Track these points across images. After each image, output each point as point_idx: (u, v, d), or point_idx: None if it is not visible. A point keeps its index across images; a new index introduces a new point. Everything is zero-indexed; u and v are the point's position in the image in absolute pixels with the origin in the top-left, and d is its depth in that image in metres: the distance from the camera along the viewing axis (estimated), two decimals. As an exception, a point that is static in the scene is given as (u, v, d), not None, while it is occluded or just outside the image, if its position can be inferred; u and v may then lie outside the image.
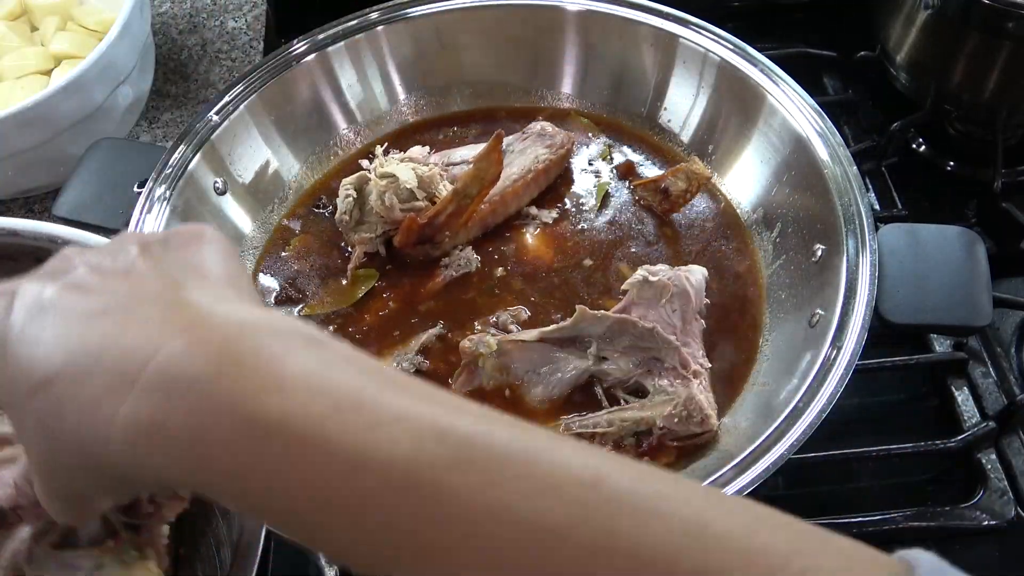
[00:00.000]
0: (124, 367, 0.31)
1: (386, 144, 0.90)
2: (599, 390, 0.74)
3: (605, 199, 0.88)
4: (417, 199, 0.82)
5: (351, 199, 0.81)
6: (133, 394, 0.31)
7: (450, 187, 0.83)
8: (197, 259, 0.37)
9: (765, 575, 0.28)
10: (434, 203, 0.82)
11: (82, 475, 0.34)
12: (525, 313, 0.79)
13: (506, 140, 0.90)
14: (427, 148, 0.89)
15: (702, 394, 0.70)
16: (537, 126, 0.90)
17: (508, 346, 0.73)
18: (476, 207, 0.81)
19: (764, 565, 0.28)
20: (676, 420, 0.69)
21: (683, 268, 0.76)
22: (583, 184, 0.90)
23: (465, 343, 0.74)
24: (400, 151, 0.89)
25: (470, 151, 0.89)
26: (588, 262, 0.83)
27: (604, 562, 0.28)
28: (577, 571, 0.29)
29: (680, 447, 0.70)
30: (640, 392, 0.73)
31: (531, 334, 0.74)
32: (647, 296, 0.74)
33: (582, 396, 0.74)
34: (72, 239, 0.57)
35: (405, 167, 0.82)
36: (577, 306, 0.74)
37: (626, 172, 0.90)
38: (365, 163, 0.87)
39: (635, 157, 0.92)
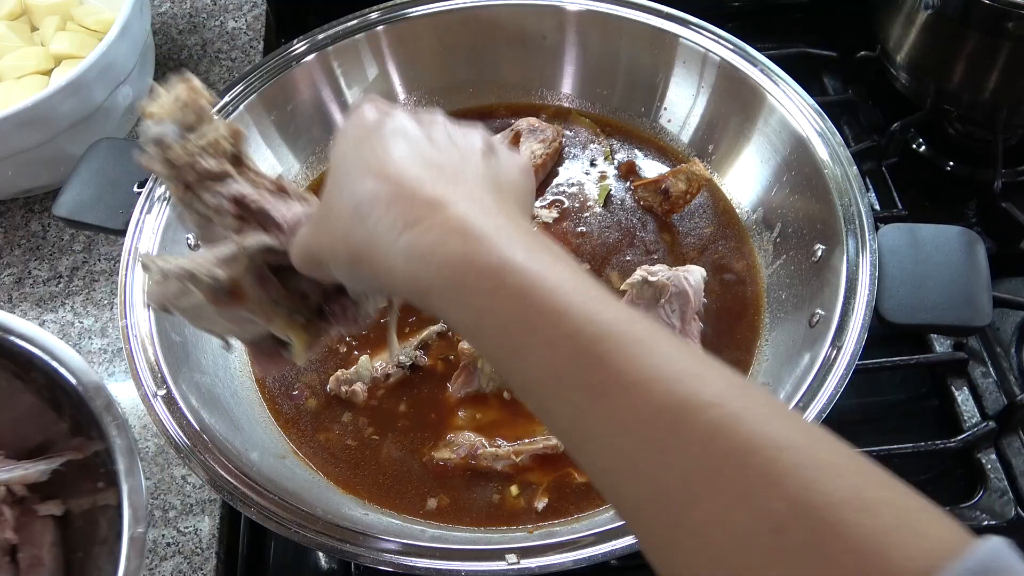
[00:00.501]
0: (422, 210, 0.41)
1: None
2: None
3: (607, 200, 0.88)
4: None
5: None
6: (422, 224, 0.40)
7: None
8: (513, 181, 0.48)
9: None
10: None
11: (350, 256, 0.44)
12: None
13: (496, 139, 0.90)
14: None
15: None
16: (524, 122, 0.91)
17: None
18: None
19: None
20: None
21: (681, 268, 0.77)
22: (584, 184, 0.90)
23: (463, 346, 0.74)
24: None
25: None
26: (587, 265, 0.83)
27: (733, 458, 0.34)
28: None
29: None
30: None
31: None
32: (646, 296, 0.74)
33: None
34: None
35: None
36: None
37: (627, 172, 0.90)
38: None
39: (636, 157, 0.92)
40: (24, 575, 0.59)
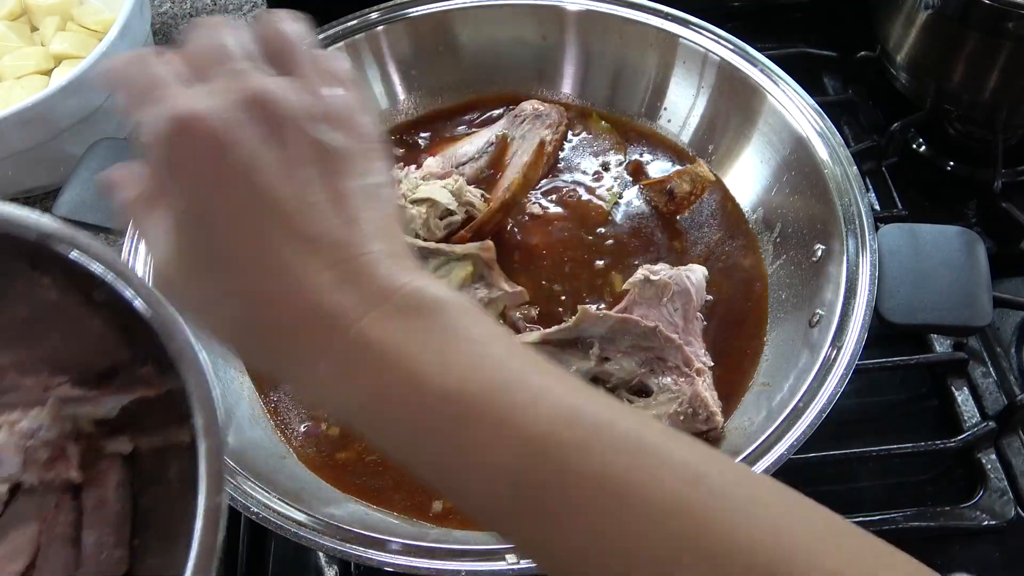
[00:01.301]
0: (334, 316, 0.36)
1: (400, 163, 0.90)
2: (603, 391, 0.74)
3: (617, 201, 0.88)
4: (455, 213, 0.82)
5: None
6: (335, 345, 0.36)
7: (474, 190, 0.84)
8: (378, 205, 0.40)
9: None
10: (468, 210, 0.83)
11: (273, 368, 0.39)
12: (535, 311, 0.79)
13: (500, 125, 0.91)
14: (438, 157, 0.89)
15: (707, 391, 0.70)
16: (528, 107, 0.91)
17: None
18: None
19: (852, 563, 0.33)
20: (682, 418, 0.69)
21: (683, 267, 0.77)
22: (589, 179, 0.89)
23: None
24: (413, 165, 0.89)
25: (470, 146, 0.89)
26: (599, 262, 0.83)
27: (690, 554, 0.32)
28: (665, 553, 0.33)
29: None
30: (644, 392, 0.73)
31: (533, 336, 0.74)
32: (648, 295, 0.74)
33: None
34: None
35: (436, 188, 0.82)
36: (579, 307, 0.73)
37: (634, 171, 0.90)
38: None
39: (644, 156, 0.91)
40: (88, 517, 0.55)
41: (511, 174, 0.84)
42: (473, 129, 0.94)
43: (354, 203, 0.38)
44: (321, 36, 0.90)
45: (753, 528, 0.33)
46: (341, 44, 0.90)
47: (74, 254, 0.50)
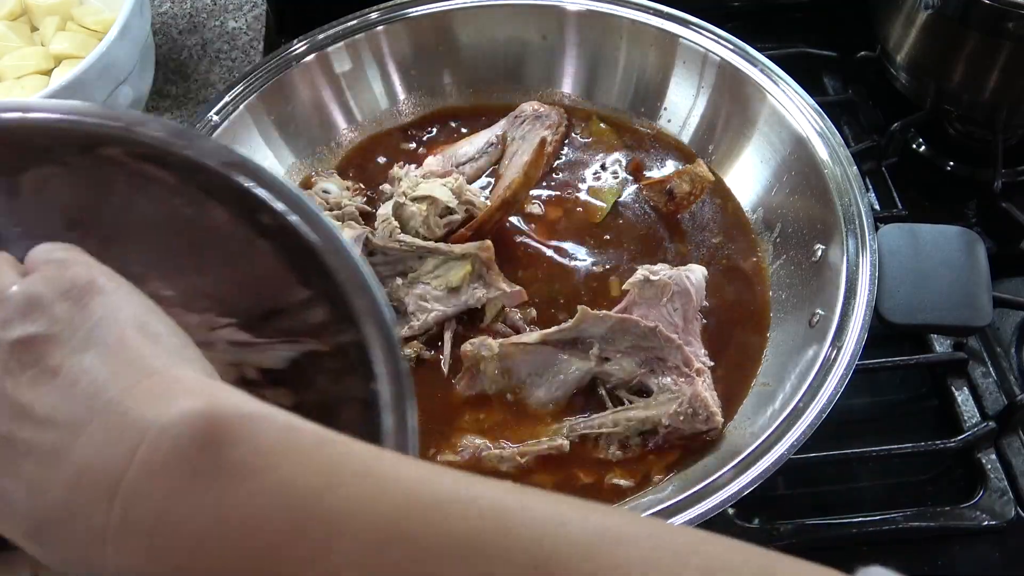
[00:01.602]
0: (92, 517, 0.32)
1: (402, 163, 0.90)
2: (603, 391, 0.74)
3: (617, 201, 0.87)
4: (455, 212, 0.82)
5: (396, 227, 0.81)
6: (111, 544, 0.32)
7: (474, 189, 0.85)
8: (102, 326, 0.36)
9: None
10: (468, 209, 0.83)
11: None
12: (534, 312, 0.79)
13: (500, 125, 0.91)
14: (439, 157, 0.89)
15: (707, 391, 0.70)
16: (528, 108, 0.91)
17: (509, 349, 0.73)
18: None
19: None
20: (682, 418, 0.69)
21: (683, 267, 0.77)
22: (593, 182, 0.89)
23: (467, 347, 0.74)
24: (413, 164, 0.89)
25: (470, 146, 0.89)
26: (598, 263, 0.83)
27: None
28: None
29: (684, 445, 0.71)
30: (643, 392, 0.73)
31: (532, 336, 0.74)
32: (648, 296, 0.74)
33: (584, 398, 0.74)
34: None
35: (436, 185, 0.82)
36: (579, 307, 0.73)
37: (634, 171, 0.90)
38: (387, 187, 0.87)
39: (643, 156, 0.91)
40: None
41: (511, 173, 0.84)
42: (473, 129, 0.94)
43: (70, 362, 0.34)
44: (321, 36, 0.90)
45: None
46: (341, 44, 0.90)
47: (252, 185, 0.47)
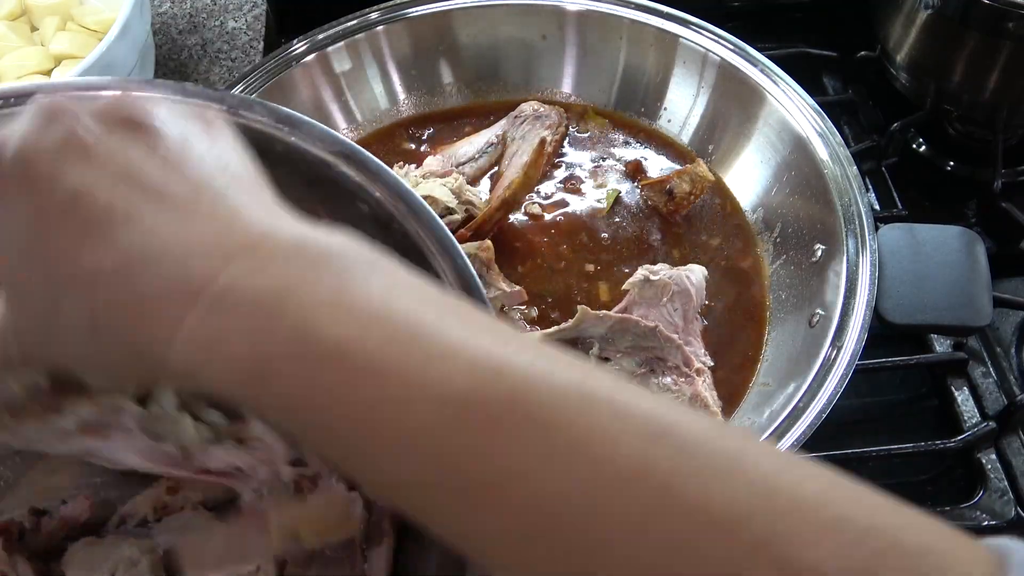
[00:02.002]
0: (187, 279, 0.30)
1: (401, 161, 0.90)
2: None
3: (616, 201, 0.87)
4: (455, 212, 0.82)
5: None
6: (196, 310, 0.29)
7: (474, 189, 0.85)
8: (225, 155, 0.35)
9: (836, 549, 0.26)
10: (467, 209, 0.83)
11: (128, 370, 0.33)
12: (534, 311, 0.79)
13: (500, 125, 0.91)
14: (439, 157, 0.89)
15: (707, 392, 0.70)
16: (528, 108, 0.91)
17: None
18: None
19: (836, 539, 0.27)
20: None
21: (683, 267, 0.77)
22: (592, 182, 0.89)
23: None
24: (413, 164, 0.89)
25: (470, 146, 0.89)
26: (597, 263, 0.82)
27: (660, 522, 0.27)
28: (629, 529, 0.27)
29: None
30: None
31: (532, 337, 0.74)
32: (648, 295, 0.74)
33: None
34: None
35: (436, 185, 0.83)
36: (579, 307, 0.73)
37: (634, 171, 0.90)
38: None
39: (643, 156, 0.91)
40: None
41: (511, 173, 0.84)
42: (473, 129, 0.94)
43: (196, 166, 0.33)
44: (321, 36, 0.90)
45: (736, 491, 0.27)
46: (341, 44, 0.90)
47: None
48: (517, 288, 0.78)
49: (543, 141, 0.85)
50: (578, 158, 0.91)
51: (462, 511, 0.29)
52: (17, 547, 0.46)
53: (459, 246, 0.47)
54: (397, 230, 0.47)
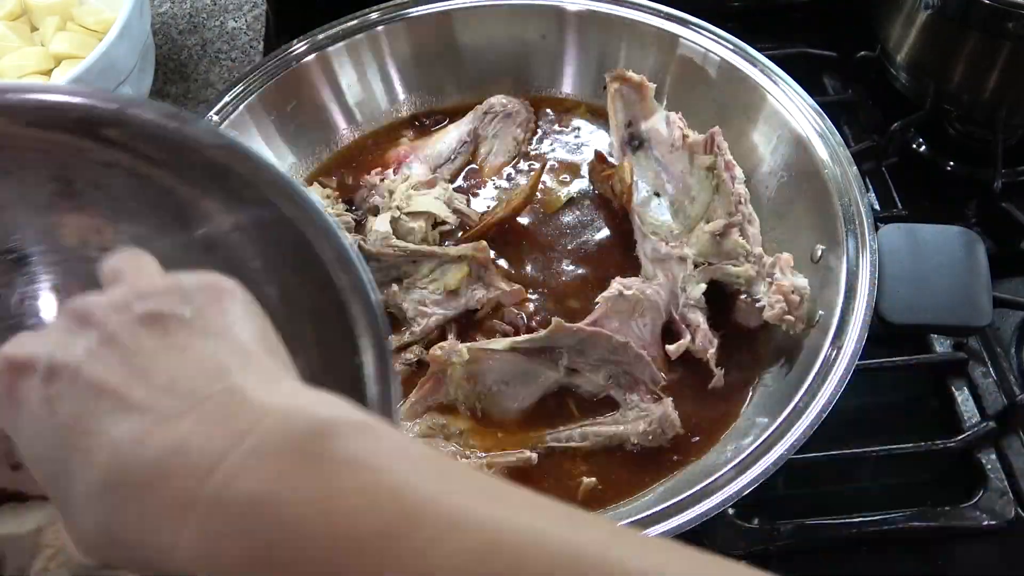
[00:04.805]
0: (185, 482, 0.31)
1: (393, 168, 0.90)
2: (571, 403, 0.74)
3: (570, 201, 0.87)
4: (448, 223, 0.84)
5: (389, 232, 0.81)
6: (195, 515, 0.31)
7: (460, 197, 0.86)
8: (232, 324, 0.37)
9: None
10: (460, 218, 0.84)
11: (151, 569, 0.34)
12: (531, 307, 0.79)
13: (468, 122, 0.91)
14: (420, 164, 0.89)
15: (674, 412, 0.71)
16: (496, 103, 0.92)
17: (478, 354, 0.73)
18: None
19: None
20: (650, 437, 0.70)
21: (655, 282, 0.77)
22: (557, 174, 0.90)
23: (436, 351, 0.73)
24: (391, 171, 0.89)
25: (443, 145, 0.90)
26: (573, 263, 0.83)
27: None
28: None
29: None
30: (610, 401, 0.74)
31: (502, 343, 0.74)
32: (620, 310, 0.75)
33: (555, 401, 0.74)
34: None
35: (431, 200, 0.83)
36: (553, 319, 0.73)
37: (597, 162, 0.89)
38: (377, 198, 0.86)
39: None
40: None
41: (512, 195, 0.85)
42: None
43: (198, 344, 0.35)
44: (321, 36, 0.90)
45: None
46: (341, 44, 0.90)
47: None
48: (517, 287, 0.78)
49: (544, 165, 0.87)
50: (547, 150, 0.92)
51: None
52: None
53: (342, 235, 0.49)
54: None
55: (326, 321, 0.48)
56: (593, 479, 0.70)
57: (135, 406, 0.33)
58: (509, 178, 0.90)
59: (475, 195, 0.88)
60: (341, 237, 0.48)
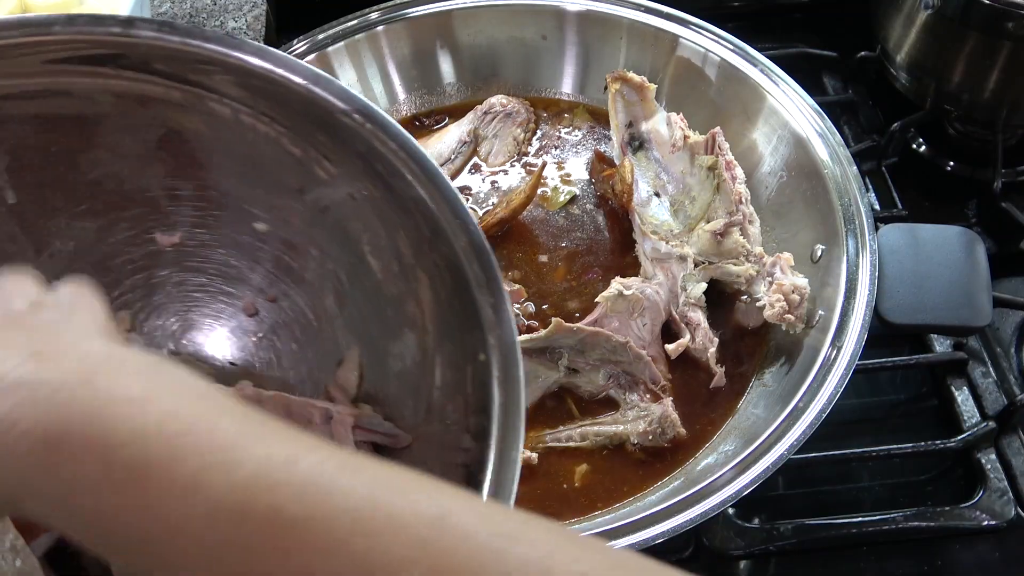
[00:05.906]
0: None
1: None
2: (570, 402, 0.74)
3: (570, 201, 0.87)
4: None
5: None
6: None
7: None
8: (78, 304, 0.40)
9: None
10: None
11: None
12: (532, 307, 0.79)
13: (468, 121, 0.91)
14: None
15: (674, 412, 0.71)
16: (496, 103, 0.91)
17: None
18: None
19: None
20: (650, 437, 0.70)
21: (655, 281, 0.77)
22: (558, 174, 0.90)
23: None
24: None
25: (443, 145, 0.90)
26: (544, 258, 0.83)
27: None
28: None
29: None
30: (609, 400, 0.74)
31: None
32: (619, 309, 0.75)
33: (555, 401, 0.74)
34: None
35: None
36: (553, 319, 0.73)
37: (597, 162, 0.89)
38: None
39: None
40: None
41: (513, 195, 0.85)
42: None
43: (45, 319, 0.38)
44: (321, 36, 0.90)
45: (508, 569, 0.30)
46: (341, 44, 0.90)
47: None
48: (516, 287, 0.78)
49: (543, 165, 0.87)
50: (547, 152, 0.92)
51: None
52: None
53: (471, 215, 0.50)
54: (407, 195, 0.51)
55: (448, 306, 0.49)
56: (585, 464, 0.70)
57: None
58: (509, 178, 0.90)
59: (475, 195, 0.89)
60: (479, 233, 0.49)
